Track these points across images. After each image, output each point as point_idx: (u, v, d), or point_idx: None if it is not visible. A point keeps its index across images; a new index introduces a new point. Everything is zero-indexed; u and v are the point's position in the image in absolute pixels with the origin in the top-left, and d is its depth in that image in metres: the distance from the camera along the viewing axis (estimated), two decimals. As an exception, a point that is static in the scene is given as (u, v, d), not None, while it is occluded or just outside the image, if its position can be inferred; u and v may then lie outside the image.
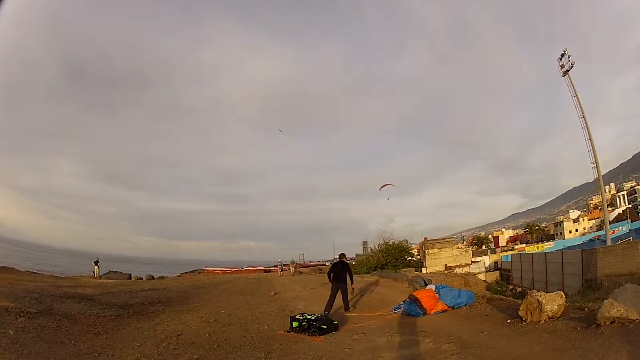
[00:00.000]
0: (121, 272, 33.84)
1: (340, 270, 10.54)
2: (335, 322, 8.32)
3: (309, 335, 7.76)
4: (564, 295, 6.62)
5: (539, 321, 6.36)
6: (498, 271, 47.08)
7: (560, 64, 39.87)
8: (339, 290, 10.29)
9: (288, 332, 8.16)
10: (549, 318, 6.31)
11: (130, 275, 34.02)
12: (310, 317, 8.32)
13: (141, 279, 33.43)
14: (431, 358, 5.72)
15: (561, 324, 6.16)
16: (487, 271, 46.40)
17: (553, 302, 6.40)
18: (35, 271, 28.80)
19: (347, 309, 10.37)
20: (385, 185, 39.80)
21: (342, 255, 11.28)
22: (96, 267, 30.25)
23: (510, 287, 36.78)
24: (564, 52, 39.72)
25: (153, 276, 35.86)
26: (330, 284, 10.47)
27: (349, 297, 10.66)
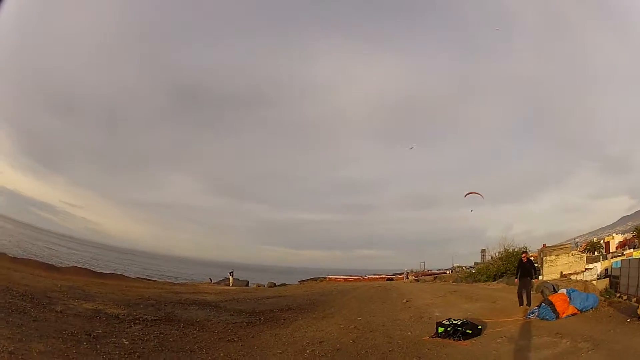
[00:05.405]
0: (238, 279, 33.12)
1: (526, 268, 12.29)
2: (480, 327, 8.80)
3: (454, 339, 8.25)
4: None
5: (653, 320, 7.39)
6: (607, 278, 43.54)
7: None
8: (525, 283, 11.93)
9: (433, 337, 8.61)
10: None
11: (248, 282, 33.86)
12: (456, 322, 8.75)
13: (263, 285, 33.48)
14: (571, 355, 6.55)
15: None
16: (598, 278, 43.23)
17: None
18: (146, 277, 28.51)
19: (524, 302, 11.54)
20: (471, 193, 37.60)
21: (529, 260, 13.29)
22: (231, 277, 31.19)
23: (617, 294, 34.14)
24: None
25: (275, 283, 35.05)
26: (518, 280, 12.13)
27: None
